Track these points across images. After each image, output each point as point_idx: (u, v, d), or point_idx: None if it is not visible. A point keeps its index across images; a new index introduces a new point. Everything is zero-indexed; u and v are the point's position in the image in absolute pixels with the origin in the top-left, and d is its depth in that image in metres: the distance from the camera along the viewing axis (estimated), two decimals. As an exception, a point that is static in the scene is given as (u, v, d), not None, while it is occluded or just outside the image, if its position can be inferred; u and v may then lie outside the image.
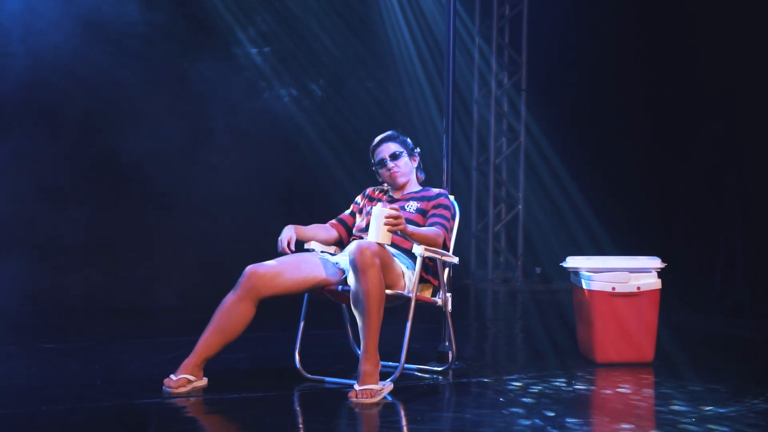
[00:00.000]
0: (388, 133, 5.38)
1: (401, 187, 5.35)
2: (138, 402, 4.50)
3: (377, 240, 4.66)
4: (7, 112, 8.92)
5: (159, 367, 5.17)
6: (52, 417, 4.22)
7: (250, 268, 4.86)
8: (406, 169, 5.31)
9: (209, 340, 4.78)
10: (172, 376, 4.71)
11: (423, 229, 4.96)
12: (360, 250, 4.59)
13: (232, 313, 4.79)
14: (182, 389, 4.68)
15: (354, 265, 4.60)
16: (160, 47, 9.77)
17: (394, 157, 5.29)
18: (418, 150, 5.43)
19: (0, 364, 5.46)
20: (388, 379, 4.75)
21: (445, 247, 5.09)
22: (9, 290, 8.59)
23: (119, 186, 9.74)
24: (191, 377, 4.73)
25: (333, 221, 5.38)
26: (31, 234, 9.36)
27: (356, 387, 4.57)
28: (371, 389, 4.55)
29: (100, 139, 9.55)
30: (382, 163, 5.30)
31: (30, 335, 6.58)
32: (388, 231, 4.68)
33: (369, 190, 5.47)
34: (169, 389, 4.67)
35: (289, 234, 5.02)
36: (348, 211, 5.42)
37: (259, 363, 5.65)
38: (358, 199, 5.44)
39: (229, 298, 4.82)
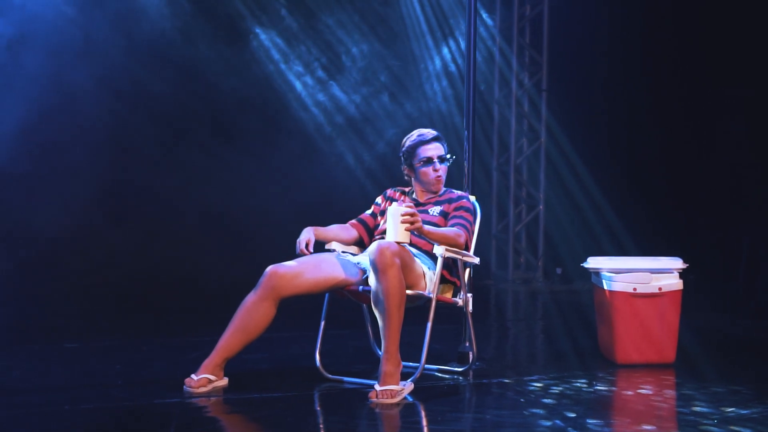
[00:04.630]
0: (436, 132, 5.26)
1: (435, 192, 5.32)
2: (159, 402, 4.52)
3: (395, 239, 4.65)
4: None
5: (180, 367, 5.19)
6: (75, 416, 4.24)
7: (270, 268, 4.86)
8: (445, 175, 5.29)
9: (230, 340, 4.79)
10: (193, 376, 4.72)
11: (443, 229, 4.94)
12: (380, 250, 4.59)
13: (252, 313, 4.79)
14: (203, 389, 4.70)
15: (374, 265, 4.59)
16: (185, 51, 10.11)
17: (443, 160, 5.21)
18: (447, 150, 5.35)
19: (22, 364, 5.49)
20: (409, 380, 4.75)
21: (466, 248, 5.08)
22: (32, 291, 8.66)
23: (142, 193, 9.94)
24: (212, 377, 4.74)
25: (353, 221, 5.36)
26: (54, 237, 9.48)
27: (377, 387, 4.57)
28: (392, 389, 4.55)
29: (134, 152, 9.86)
30: (430, 161, 5.18)
31: (52, 335, 6.61)
32: (405, 230, 4.67)
33: (390, 191, 5.44)
34: (190, 389, 4.68)
35: (307, 236, 5.01)
36: (369, 212, 5.39)
37: (280, 363, 5.66)
38: (379, 200, 5.41)
39: (250, 299, 4.83)
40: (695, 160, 9.27)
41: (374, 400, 4.53)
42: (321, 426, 4.31)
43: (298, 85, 10.98)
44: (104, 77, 9.95)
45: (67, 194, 9.68)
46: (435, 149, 5.21)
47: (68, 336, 6.51)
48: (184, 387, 4.70)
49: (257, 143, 10.76)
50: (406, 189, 5.39)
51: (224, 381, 4.82)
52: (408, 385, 4.71)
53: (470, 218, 5.15)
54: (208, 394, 4.65)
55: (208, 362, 4.77)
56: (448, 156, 5.25)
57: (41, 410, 4.32)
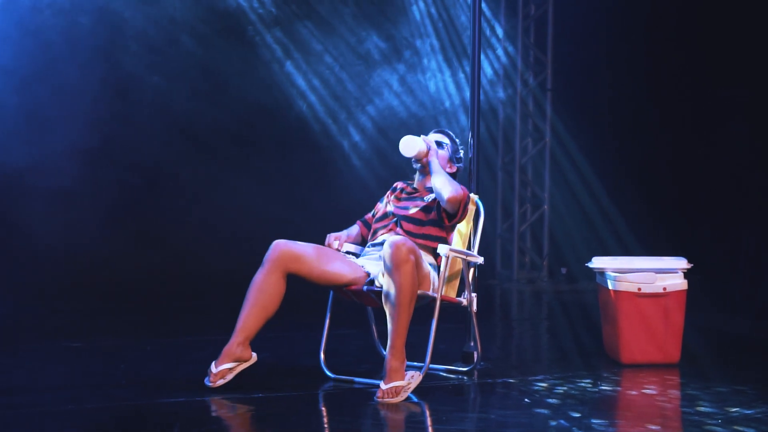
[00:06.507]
0: (445, 130, 5.41)
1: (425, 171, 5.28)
2: (163, 401, 4.52)
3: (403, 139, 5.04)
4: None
5: (184, 366, 5.19)
6: (79, 416, 4.24)
7: (276, 242, 4.88)
8: (443, 162, 5.25)
9: (247, 319, 4.75)
10: (212, 368, 4.68)
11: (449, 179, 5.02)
12: (396, 246, 4.57)
13: (264, 288, 4.77)
14: (221, 381, 4.66)
15: (389, 260, 4.58)
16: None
17: (439, 144, 5.28)
18: (461, 154, 5.37)
19: (26, 363, 5.50)
20: (419, 371, 4.72)
21: (469, 246, 5.08)
22: (35, 290, 8.66)
23: (142, 192, 10.00)
24: (232, 365, 4.69)
25: (359, 221, 5.38)
26: (55, 234, 9.49)
27: (382, 386, 4.56)
28: (396, 387, 4.53)
29: (135, 153, 9.95)
30: (410, 160, 5.26)
31: (54, 334, 6.61)
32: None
33: (398, 185, 5.42)
34: (211, 384, 4.65)
35: (339, 237, 5.13)
36: (371, 213, 5.40)
37: (284, 362, 5.66)
38: (384, 197, 5.40)
39: (259, 275, 4.81)
40: (700, 160, 9.25)
41: (379, 399, 4.53)
42: (325, 425, 4.32)
43: (309, 95, 11.02)
44: (115, 82, 10.05)
45: (67, 195, 9.68)
46: (434, 136, 5.35)
47: (71, 335, 6.51)
48: (205, 380, 4.67)
49: (261, 146, 10.76)
50: (413, 182, 5.39)
51: (252, 359, 4.78)
52: (416, 378, 4.66)
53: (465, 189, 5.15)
54: (211, 394, 4.63)
55: (228, 347, 4.72)
56: (445, 144, 5.31)
57: (43, 410, 4.32)
